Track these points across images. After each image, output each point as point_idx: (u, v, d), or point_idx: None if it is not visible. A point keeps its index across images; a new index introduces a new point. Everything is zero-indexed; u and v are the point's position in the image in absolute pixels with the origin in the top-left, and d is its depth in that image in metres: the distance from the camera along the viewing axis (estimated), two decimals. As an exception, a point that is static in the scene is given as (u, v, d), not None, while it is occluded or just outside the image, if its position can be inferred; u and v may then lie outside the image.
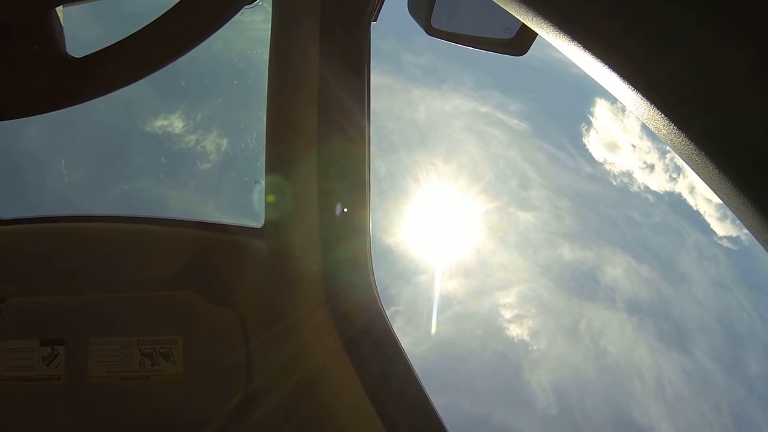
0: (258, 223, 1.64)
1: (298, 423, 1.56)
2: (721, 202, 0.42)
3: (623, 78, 0.47)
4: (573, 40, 0.50)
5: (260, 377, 1.59)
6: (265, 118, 1.46)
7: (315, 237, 1.51)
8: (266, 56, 1.39)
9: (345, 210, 1.45)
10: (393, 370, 1.47)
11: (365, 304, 1.51)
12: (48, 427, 1.59)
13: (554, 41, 0.52)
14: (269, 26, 1.36)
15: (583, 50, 0.49)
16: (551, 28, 0.53)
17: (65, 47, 0.69)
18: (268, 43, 1.39)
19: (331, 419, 1.51)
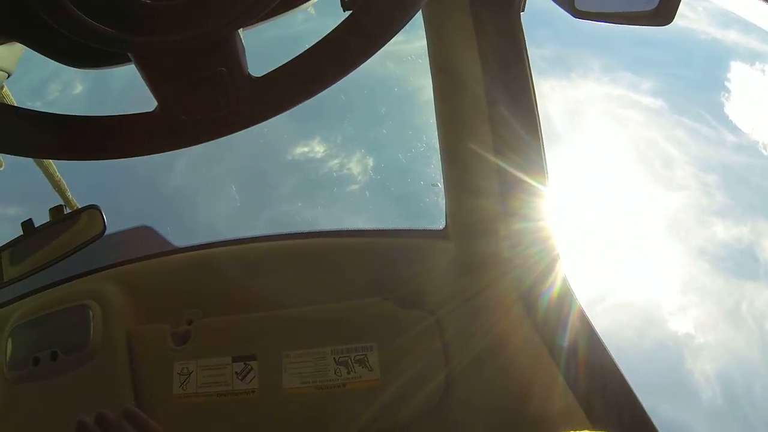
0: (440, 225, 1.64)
1: (499, 422, 1.53)
2: None
3: None
4: None
5: (459, 377, 1.59)
6: (435, 124, 1.49)
7: (500, 234, 1.49)
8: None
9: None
10: (608, 385, 1.37)
11: (560, 298, 1.47)
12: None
13: None
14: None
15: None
16: None
17: (248, 68, 0.71)
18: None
19: (537, 423, 1.48)
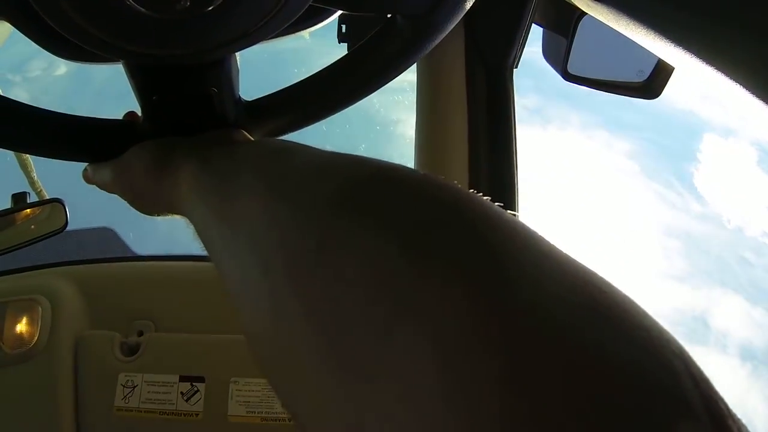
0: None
1: None
2: None
3: None
4: (720, 73, 0.48)
5: None
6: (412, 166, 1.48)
7: None
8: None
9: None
10: None
11: None
12: (185, 462, 1.61)
13: (697, 75, 0.50)
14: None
15: (732, 83, 0.47)
16: (695, 60, 0.51)
17: (239, 91, 0.70)
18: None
19: None
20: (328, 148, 0.46)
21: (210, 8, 0.52)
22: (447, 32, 0.67)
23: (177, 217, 0.65)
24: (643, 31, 0.58)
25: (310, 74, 0.74)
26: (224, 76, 0.66)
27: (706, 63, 0.49)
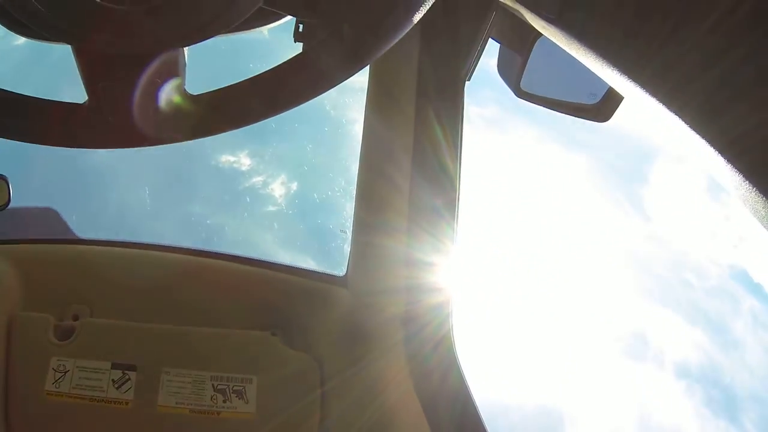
0: (339, 271, 1.65)
1: None
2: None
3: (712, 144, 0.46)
4: (661, 104, 0.49)
5: (331, 426, 1.58)
6: (357, 168, 1.49)
7: (399, 288, 1.51)
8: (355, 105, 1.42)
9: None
10: (465, 423, 1.45)
11: (443, 354, 1.49)
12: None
13: (642, 105, 0.52)
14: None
15: (673, 116, 0.49)
16: (640, 91, 0.52)
17: (185, 84, 0.70)
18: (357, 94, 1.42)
19: None
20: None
21: (159, 2, 0.53)
22: (392, 44, 0.68)
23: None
24: (593, 57, 0.60)
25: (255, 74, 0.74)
26: (171, 68, 0.66)
27: (651, 95, 0.50)
